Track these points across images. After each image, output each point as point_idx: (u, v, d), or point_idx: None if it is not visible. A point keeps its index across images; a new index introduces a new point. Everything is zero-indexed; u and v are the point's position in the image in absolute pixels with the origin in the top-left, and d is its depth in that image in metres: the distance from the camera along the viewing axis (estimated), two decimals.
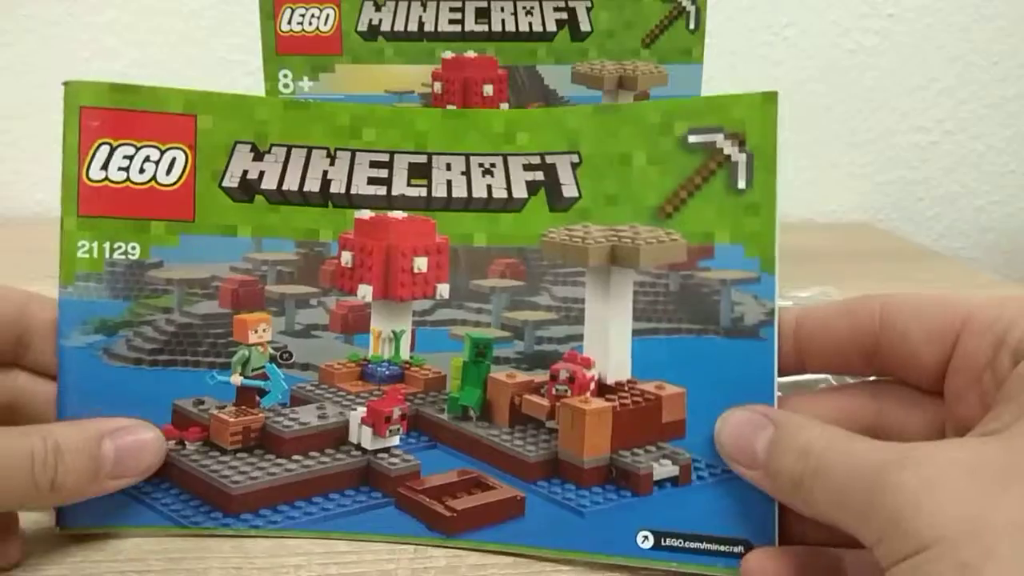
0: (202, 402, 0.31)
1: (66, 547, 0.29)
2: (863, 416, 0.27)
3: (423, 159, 0.31)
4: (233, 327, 0.31)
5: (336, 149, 0.31)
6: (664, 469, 0.29)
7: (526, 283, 0.31)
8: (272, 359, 0.32)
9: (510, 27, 0.50)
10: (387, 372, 0.34)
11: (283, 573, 0.28)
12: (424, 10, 0.50)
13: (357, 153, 0.31)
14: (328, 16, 0.49)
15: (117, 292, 0.30)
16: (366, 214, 0.31)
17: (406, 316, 0.34)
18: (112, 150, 0.30)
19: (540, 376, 0.31)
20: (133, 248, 0.30)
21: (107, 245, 0.30)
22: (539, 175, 0.30)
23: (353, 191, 0.31)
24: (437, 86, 0.51)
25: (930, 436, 0.26)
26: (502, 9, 0.50)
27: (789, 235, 0.41)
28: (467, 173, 0.31)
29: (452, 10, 0.50)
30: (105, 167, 0.29)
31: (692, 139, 0.29)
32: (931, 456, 0.21)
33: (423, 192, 0.31)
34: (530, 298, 0.31)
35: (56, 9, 0.82)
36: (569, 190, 0.30)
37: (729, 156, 0.28)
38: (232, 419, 0.31)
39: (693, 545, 0.28)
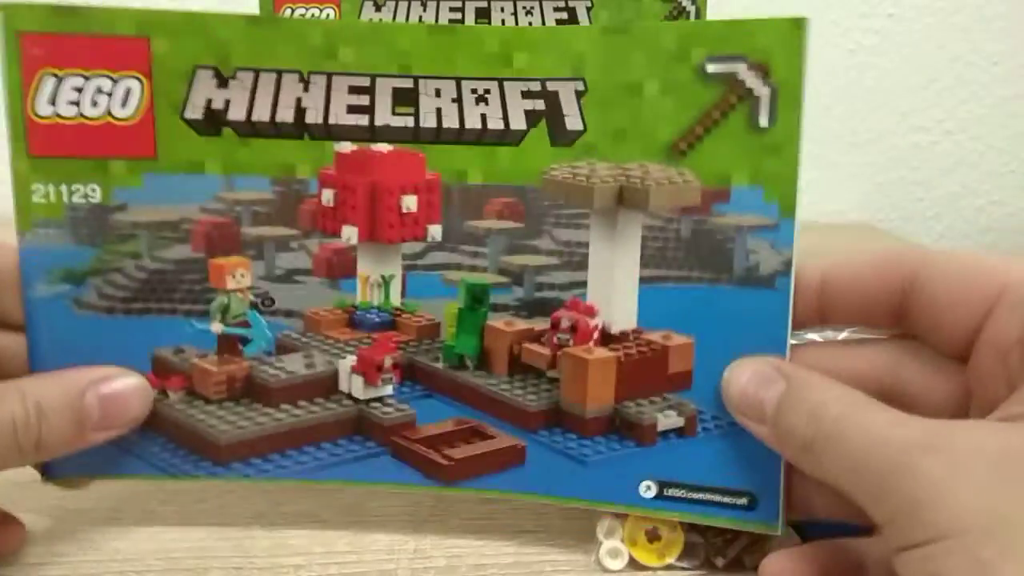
0: (182, 351, 0.30)
1: (65, 546, 0.29)
2: (882, 377, 0.26)
3: (409, 83, 0.28)
4: (209, 272, 0.29)
5: (310, 73, 0.28)
6: (669, 420, 0.28)
7: (525, 225, 0.29)
8: (253, 305, 0.30)
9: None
10: (377, 319, 0.32)
11: (283, 573, 0.28)
12: (424, 10, 0.50)
13: (334, 77, 0.28)
14: (328, 16, 0.50)
15: (81, 238, 0.28)
16: (347, 147, 0.29)
17: (395, 260, 0.31)
18: (59, 81, 0.27)
19: (541, 324, 0.29)
20: (93, 190, 0.28)
21: (64, 188, 0.28)
22: (539, 104, 0.27)
23: (331, 121, 0.28)
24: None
25: (951, 407, 0.25)
26: (502, 9, 0.50)
27: None
28: (458, 100, 0.28)
29: (452, 10, 0.50)
30: (53, 101, 0.27)
31: (711, 68, 0.26)
32: (957, 441, 0.20)
33: (410, 122, 0.28)
34: (529, 242, 0.29)
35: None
36: (573, 122, 0.27)
37: (751, 89, 0.26)
38: (215, 368, 0.30)
39: (697, 496, 0.27)
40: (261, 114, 0.28)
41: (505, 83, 0.28)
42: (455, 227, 0.30)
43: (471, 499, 0.29)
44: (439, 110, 0.28)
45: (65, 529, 0.30)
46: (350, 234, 0.31)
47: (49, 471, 0.29)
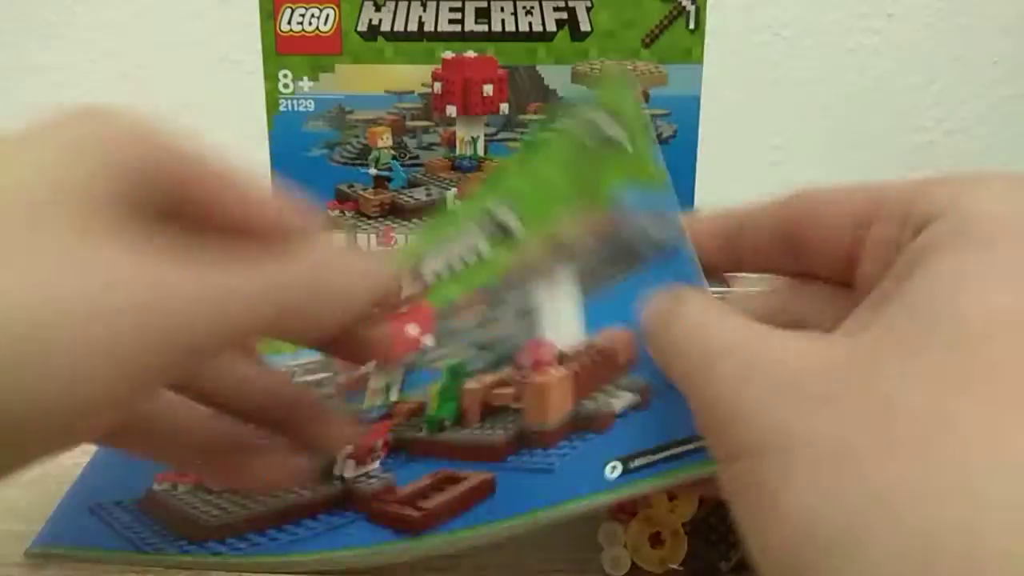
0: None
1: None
2: (775, 315, 0.25)
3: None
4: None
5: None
6: (623, 400, 0.28)
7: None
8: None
9: (510, 27, 0.50)
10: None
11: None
12: (424, 10, 0.50)
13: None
14: (328, 16, 0.49)
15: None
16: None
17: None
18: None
19: (508, 372, 0.31)
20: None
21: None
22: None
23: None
24: (437, 86, 0.51)
25: None
26: (502, 9, 0.50)
27: None
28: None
29: (452, 10, 0.50)
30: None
31: None
32: (761, 349, 0.18)
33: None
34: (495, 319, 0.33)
35: (56, 9, 0.82)
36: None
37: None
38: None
39: (659, 456, 0.26)
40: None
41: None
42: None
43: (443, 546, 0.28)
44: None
45: None
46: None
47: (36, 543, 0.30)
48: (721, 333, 0.20)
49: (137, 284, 0.18)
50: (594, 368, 0.29)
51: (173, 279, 0.19)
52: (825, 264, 0.24)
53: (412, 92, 0.51)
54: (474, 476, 0.29)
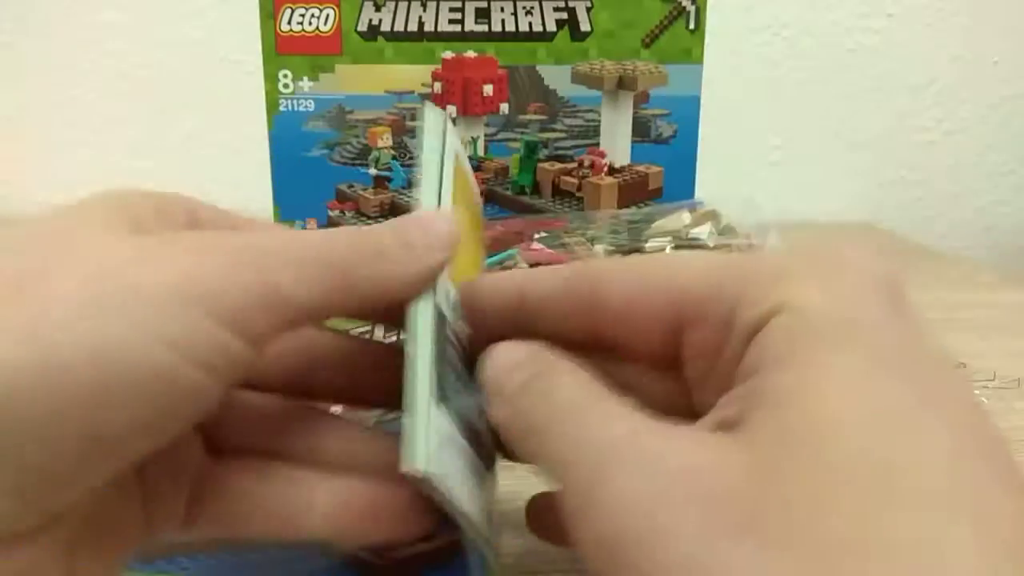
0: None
1: None
2: (609, 378, 0.22)
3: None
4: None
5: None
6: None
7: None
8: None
9: (510, 27, 0.50)
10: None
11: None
12: (424, 10, 0.50)
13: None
14: (328, 16, 0.49)
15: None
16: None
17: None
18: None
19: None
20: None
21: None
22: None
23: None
24: (437, 86, 0.51)
25: (676, 403, 0.22)
26: (502, 9, 0.50)
27: (790, 235, 0.41)
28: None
29: (452, 10, 0.50)
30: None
31: None
32: (656, 453, 0.16)
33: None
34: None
35: (56, 9, 0.82)
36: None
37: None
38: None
39: None
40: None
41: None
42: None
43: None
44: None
45: None
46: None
47: None
48: (603, 422, 0.18)
49: (224, 247, 0.19)
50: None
51: (258, 241, 0.19)
52: (634, 355, 0.22)
53: (412, 92, 0.51)
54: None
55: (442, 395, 0.20)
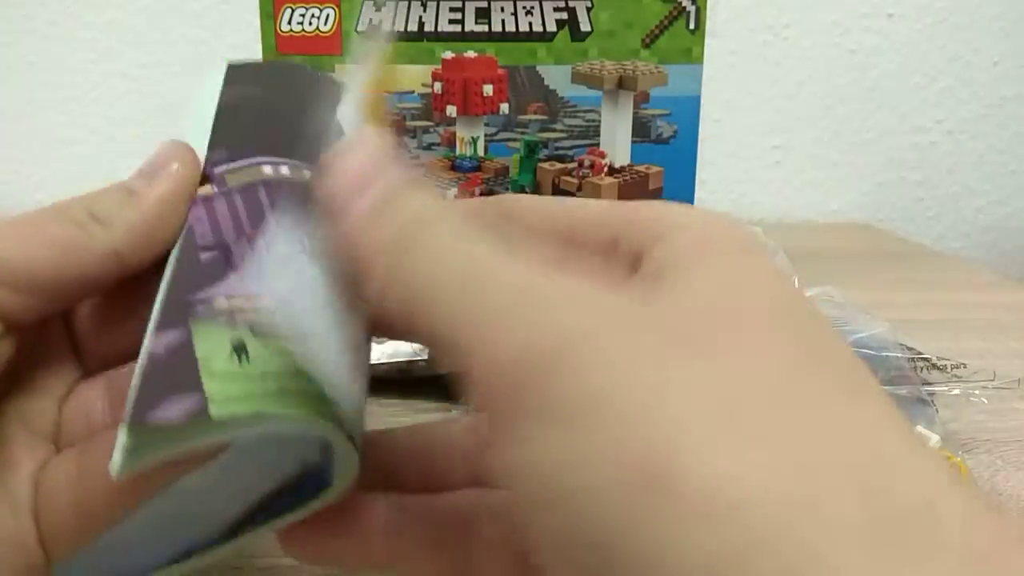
0: None
1: None
2: None
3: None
4: None
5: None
6: None
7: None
8: None
9: (510, 27, 0.50)
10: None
11: (282, 572, 0.28)
12: (424, 10, 0.50)
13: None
14: (328, 16, 0.49)
15: None
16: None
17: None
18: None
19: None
20: None
21: None
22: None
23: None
24: (437, 86, 0.51)
25: None
26: (502, 9, 0.50)
27: (790, 235, 0.41)
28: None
29: (452, 10, 0.50)
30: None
31: None
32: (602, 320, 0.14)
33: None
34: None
35: (56, 9, 0.82)
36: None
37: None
38: None
39: None
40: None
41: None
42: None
43: None
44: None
45: None
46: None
47: None
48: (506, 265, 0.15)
49: None
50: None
51: None
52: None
53: (412, 92, 0.51)
54: None
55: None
